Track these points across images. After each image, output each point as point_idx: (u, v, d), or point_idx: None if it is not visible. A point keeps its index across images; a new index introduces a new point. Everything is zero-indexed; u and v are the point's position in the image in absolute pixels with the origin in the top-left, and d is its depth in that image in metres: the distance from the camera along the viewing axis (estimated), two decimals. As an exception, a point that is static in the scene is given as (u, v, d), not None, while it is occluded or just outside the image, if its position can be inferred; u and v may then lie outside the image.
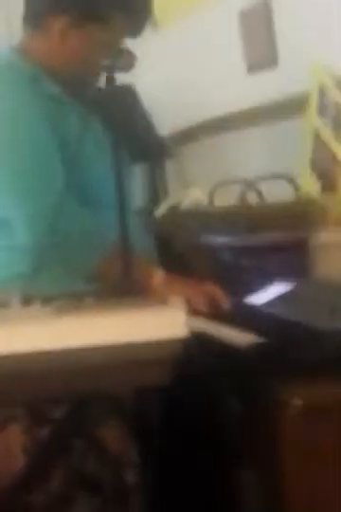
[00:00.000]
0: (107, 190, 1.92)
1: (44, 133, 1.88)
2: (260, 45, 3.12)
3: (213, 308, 1.79)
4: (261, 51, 3.12)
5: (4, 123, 1.87)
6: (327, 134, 2.69)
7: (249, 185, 2.46)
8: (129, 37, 2.04)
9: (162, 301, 1.42)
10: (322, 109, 2.73)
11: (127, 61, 2.12)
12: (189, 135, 3.52)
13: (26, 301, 1.81)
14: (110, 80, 2.04)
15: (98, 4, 1.97)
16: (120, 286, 1.65)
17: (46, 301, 1.73)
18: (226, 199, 2.51)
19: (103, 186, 1.95)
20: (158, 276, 1.82)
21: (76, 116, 1.97)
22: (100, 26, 1.97)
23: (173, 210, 2.53)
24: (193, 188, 2.71)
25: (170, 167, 3.70)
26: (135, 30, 2.03)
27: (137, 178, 3.72)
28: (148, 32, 2.10)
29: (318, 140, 2.72)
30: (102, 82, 2.33)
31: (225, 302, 1.81)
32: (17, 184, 1.87)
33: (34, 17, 2.02)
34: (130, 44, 2.08)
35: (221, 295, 1.82)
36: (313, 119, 2.76)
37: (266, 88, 3.06)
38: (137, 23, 2.03)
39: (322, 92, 2.71)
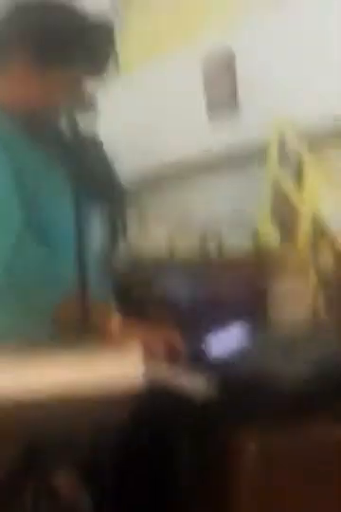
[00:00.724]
0: (65, 231, 1.92)
1: (4, 175, 1.85)
2: (222, 92, 3.16)
3: (170, 353, 1.79)
4: (223, 98, 3.16)
5: None
6: (287, 184, 2.72)
7: (208, 232, 2.48)
8: (90, 78, 2.04)
9: (118, 346, 1.42)
10: (283, 159, 2.76)
11: (87, 103, 2.14)
12: (150, 178, 3.54)
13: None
14: (72, 122, 2.06)
15: (58, 45, 1.94)
16: (78, 330, 1.64)
17: (2, 341, 1.73)
18: (186, 243, 2.52)
19: (62, 227, 1.94)
20: (115, 320, 1.82)
21: (35, 156, 1.97)
22: (60, 66, 1.95)
23: (133, 255, 2.53)
24: (153, 231, 2.72)
25: (131, 210, 3.71)
26: (96, 72, 2.03)
27: (97, 221, 3.72)
28: (110, 75, 2.11)
29: (278, 190, 2.74)
30: (64, 124, 2.35)
31: (182, 348, 1.81)
32: None
33: None
34: (92, 86, 2.09)
35: (178, 340, 1.82)
36: (273, 169, 2.78)
37: (227, 135, 3.09)
38: (98, 64, 2.00)
39: (283, 142, 2.75)
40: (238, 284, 2.19)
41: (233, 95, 3.13)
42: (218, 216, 2.83)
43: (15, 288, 1.81)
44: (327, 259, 2.49)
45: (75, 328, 1.72)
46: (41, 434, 1.41)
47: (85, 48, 1.97)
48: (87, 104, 2.10)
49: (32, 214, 1.89)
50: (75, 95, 2.08)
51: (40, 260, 1.85)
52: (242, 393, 1.53)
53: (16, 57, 1.95)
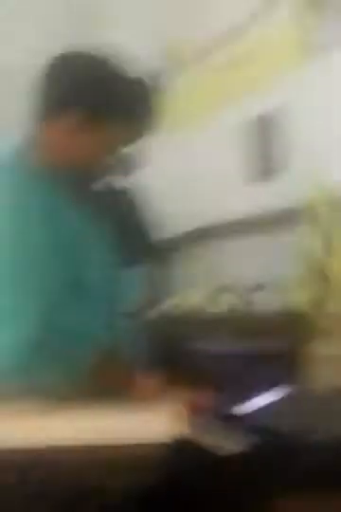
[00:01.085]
0: (103, 289, 1.95)
1: (43, 238, 1.89)
2: (259, 155, 3.18)
3: (200, 413, 1.80)
4: (260, 160, 3.18)
5: (6, 222, 1.90)
6: (318, 249, 2.74)
7: (247, 292, 2.49)
8: (131, 140, 2.07)
9: (148, 405, 1.44)
10: (315, 223, 2.78)
11: (129, 165, 2.18)
12: (191, 238, 3.56)
13: (21, 393, 1.84)
14: (115, 181, 2.10)
15: (105, 102, 1.99)
16: (110, 387, 1.67)
17: (40, 395, 1.76)
18: (222, 304, 2.53)
19: (99, 285, 1.97)
20: (148, 379, 1.84)
21: (75, 214, 1.99)
22: (104, 125, 1.99)
23: (171, 313, 2.55)
24: (190, 291, 2.73)
25: (169, 270, 3.73)
26: (139, 134, 2.06)
27: (134, 279, 3.75)
28: (155, 134, 2.12)
29: (310, 254, 2.76)
30: (104, 183, 2.38)
31: (213, 409, 1.83)
32: (13, 287, 1.87)
33: (47, 110, 2.04)
34: (137, 145, 2.12)
35: (209, 401, 1.84)
36: (305, 234, 2.80)
37: (262, 199, 3.11)
38: (140, 127, 2.05)
39: (315, 208, 2.76)
40: (272, 345, 2.20)
41: (270, 158, 3.16)
42: (252, 276, 2.84)
43: (51, 346, 1.85)
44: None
45: (108, 386, 1.75)
46: (71, 487, 1.43)
47: (130, 107, 2.01)
48: (127, 167, 2.13)
49: (71, 273, 1.93)
50: (119, 153, 2.12)
51: (76, 319, 1.89)
52: (273, 457, 1.54)
53: (69, 109, 1.99)
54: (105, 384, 1.78)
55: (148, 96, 2.04)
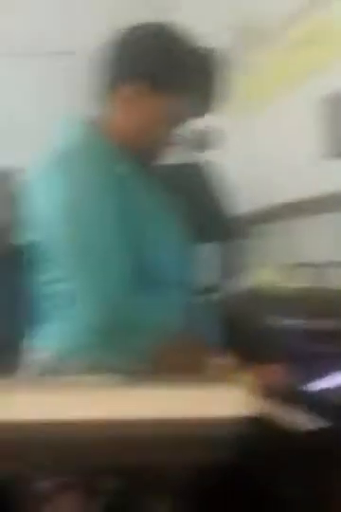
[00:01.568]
0: (174, 268, 1.94)
1: (114, 217, 1.88)
2: (333, 134, 3.14)
3: (278, 390, 1.78)
4: (333, 140, 3.14)
5: (74, 205, 1.88)
6: None
7: (321, 269, 2.46)
8: (197, 114, 2.04)
9: (225, 379, 1.42)
10: None
11: (208, 140, 2.15)
12: (265, 216, 3.54)
13: (92, 370, 1.85)
14: (189, 157, 2.08)
15: (170, 73, 1.95)
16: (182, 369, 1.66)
17: (111, 372, 1.76)
18: (299, 282, 2.50)
19: (170, 265, 1.96)
20: (221, 357, 1.82)
21: (146, 195, 1.97)
22: (168, 97, 1.95)
23: (244, 290, 2.53)
24: (266, 268, 2.71)
25: (243, 247, 3.72)
26: (203, 108, 2.01)
27: (209, 256, 3.74)
28: (230, 112, 2.10)
29: None
30: (178, 158, 2.35)
31: (291, 385, 1.80)
32: (84, 267, 1.88)
33: (108, 85, 2.01)
34: (211, 123, 2.09)
35: (282, 378, 1.81)
36: None
37: (337, 176, 3.06)
38: (205, 101, 2.00)
39: None
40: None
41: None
42: (329, 254, 2.80)
43: (119, 331, 1.85)
44: None
45: (178, 369, 1.74)
46: (143, 463, 1.43)
47: (192, 82, 1.97)
48: (204, 141, 2.11)
49: (142, 254, 1.91)
50: (191, 127, 2.10)
51: (145, 303, 1.88)
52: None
53: (126, 85, 1.97)
54: (176, 364, 1.77)
55: (215, 70, 2.01)
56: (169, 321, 1.85)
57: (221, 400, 1.35)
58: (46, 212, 1.93)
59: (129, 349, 1.84)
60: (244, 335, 2.12)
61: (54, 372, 1.90)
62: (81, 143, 1.96)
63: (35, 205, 1.96)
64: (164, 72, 1.95)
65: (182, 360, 1.79)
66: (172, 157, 2.09)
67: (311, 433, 1.52)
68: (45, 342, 1.98)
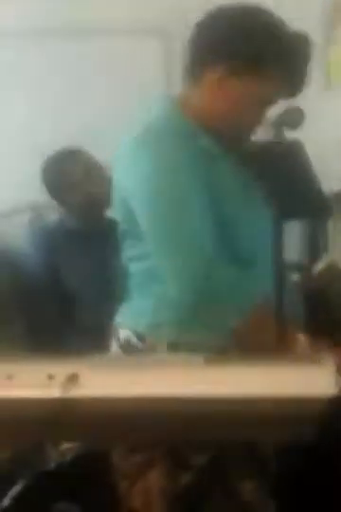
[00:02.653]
0: (258, 246, 1.93)
1: (198, 193, 1.88)
2: None
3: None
4: None
5: (160, 181, 1.89)
6: None
7: None
8: (286, 95, 2.02)
9: (312, 358, 1.42)
10: None
11: (295, 118, 2.13)
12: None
13: (173, 348, 1.86)
14: (278, 134, 2.06)
15: (256, 54, 1.93)
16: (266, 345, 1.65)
17: (193, 350, 1.77)
18: None
19: (255, 242, 1.95)
20: (305, 336, 1.81)
21: (230, 173, 1.97)
22: (258, 78, 1.94)
23: (331, 268, 2.51)
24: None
25: (332, 225, 3.67)
26: (293, 89, 1.99)
27: (297, 234, 3.71)
28: (319, 89, 2.07)
29: None
30: (270, 136, 2.34)
31: None
32: (171, 240, 1.89)
33: (194, 67, 2.01)
34: (303, 100, 2.07)
35: None
36: None
37: None
38: (295, 81, 1.98)
39: None
40: None
41: None
42: None
43: (206, 306, 1.85)
44: None
45: (263, 343, 1.74)
46: (232, 438, 1.43)
47: (282, 63, 1.95)
48: (295, 119, 2.08)
49: (226, 230, 1.91)
50: (285, 110, 2.08)
51: (230, 279, 1.88)
52: None
53: (212, 67, 1.96)
54: (261, 338, 1.77)
55: (303, 51, 1.98)
56: (253, 296, 1.85)
57: (307, 379, 1.35)
58: (132, 188, 1.94)
59: (217, 323, 1.85)
60: (329, 314, 2.10)
61: (137, 350, 1.93)
62: (167, 121, 1.97)
63: (121, 180, 1.98)
64: (251, 55, 1.93)
65: (267, 336, 1.80)
66: (260, 137, 2.08)
67: None
68: (129, 320, 2.01)
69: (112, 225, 2.13)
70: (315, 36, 2.08)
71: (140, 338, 1.94)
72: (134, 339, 1.95)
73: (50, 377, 1.40)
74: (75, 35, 3.99)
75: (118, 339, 2.00)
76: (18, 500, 2.11)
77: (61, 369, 1.42)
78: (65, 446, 2.16)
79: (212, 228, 1.88)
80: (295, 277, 2.26)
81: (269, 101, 2.00)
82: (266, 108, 2.01)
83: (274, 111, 2.05)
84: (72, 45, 3.99)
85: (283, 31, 1.97)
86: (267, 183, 1.95)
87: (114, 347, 2.02)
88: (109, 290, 2.68)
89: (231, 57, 1.94)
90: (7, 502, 2.10)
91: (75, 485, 2.12)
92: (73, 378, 1.40)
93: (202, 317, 1.86)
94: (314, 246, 3.58)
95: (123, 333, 1.99)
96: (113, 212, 2.10)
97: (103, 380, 1.41)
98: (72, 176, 3.20)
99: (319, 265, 2.45)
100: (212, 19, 1.99)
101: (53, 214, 3.37)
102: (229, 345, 1.81)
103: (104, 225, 3.06)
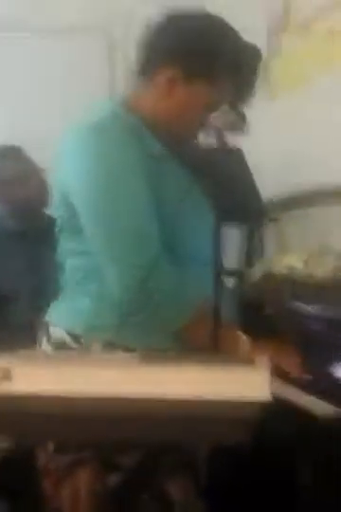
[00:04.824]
0: (199, 249, 1.94)
1: (143, 191, 1.88)
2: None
3: (294, 374, 1.77)
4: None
5: (104, 178, 1.88)
6: None
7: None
8: (236, 102, 2.03)
9: (248, 361, 1.42)
10: None
11: (238, 124, 2.14)
12: (291, 202, 3.52)
13: (109, 348, 1.85)
14: (221, 140, 2.07)
15: (209, 61, 1.95)
16: (208, 344, 1.66)
17: (129, 350, 1.76)
18: (321, 269, 2.49)
19: (196, 245, 1.96)
20: (244, 341, 1.82)
21: (174, 175, 1.98)
22: (207, 84, 1.95)
23: (267, 275, 2.53)
24: (290, 254, 2.71)
25: (269, 231, 3.70)
26: (241, 98, 2.01)
27: (235, 239, 3.73)
28: (261, 98, 2.09)
29: None
30: (212, 141, 2.35)
31: (301, 371, 1.80)
32: (113, 240, 1.88)
33: (145, 68, 2.02)
34: (241, 107, 2.08)
35: (299, 361, 1.81)
36: None
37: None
38: (244, 90, 2.00)
39: None
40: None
41: None
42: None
43: (146, 304, 1.85)
44: None
45: (201, 344, 1.74)
46: (162, 439, 1.43)
47: (233, 69, 1.96)
48: (238, 125, 2.09)
49: (169, 233, 1.92)
50: (229, 114, 2.08)
51: (173, 279, 1.88)
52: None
53: (162, 69, 1.97)
54: (199, 343, 1.77)
55: (250, 58, 2.00)
56: (194, 298, 1.85)
57: (241, 381, 1.35)
58: (74, 184, 1.93)
59: (159, 324, 1.86)
60: (264, 318, 2.12)
61: (68, 348, 1.91)
62: (112, 119, 1.96)
63: (63, 177, 1.96)
64: (198, 59, 1.95)
65: (206, 332, 1.80)
66: (203, 141, 2.08)
67: (328, 419, 1.52)
68: (63, 319, 1.99)
69: (49, 222, 2.11)
70: (259, 45, 2.10)
71: (75, 337, 1.92)
72: (67, 339, 1.93)
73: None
74: (15, 34, 3.97)
75: (50, 338, 1.98)
76: None
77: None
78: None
79: (156, 230, 1.88)
80: (232, 282, 2.27)
81: (216, 108, 2.01)
82: (211, 113, 2.01)
83: (218, 117, 2.06)
84: (16, 43, 3.97)
85: (236, 41, 1.99)
86: (208, 186, 1.96)
87: (45, 346, 1.99)
88: (44, 288, 2.65)
89: (183, 61, 1.95)
90: None
91: (3, 482, 2.09)
92: (5, 373, 1.38)
93: (143, 316, 1.86)
94: (251, 251, 3.60)
95: (56, 331, 1.97)
96: (52, 210, 2.07)
97: (35, 377, 1.38)
98: (9, 174, 3.17)
99: (256, 271, 2.48)
100: (165, 23, 2.00)
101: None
102: (170, 346, 1.81)
103: (41, 223, 3.04)
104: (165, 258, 1.88)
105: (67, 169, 1.94)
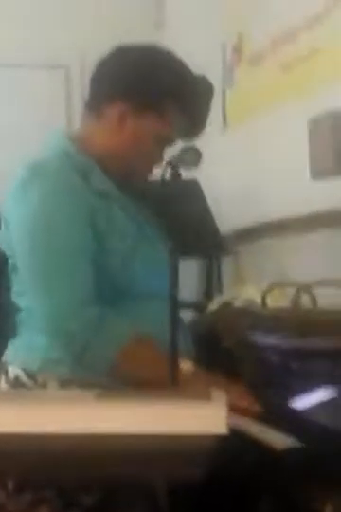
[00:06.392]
0: (156, 282, 1.94)
1: (80, 234, 1.89)
2: (326, 152, 3.14)
3: (250, 409, 1.77)
4: (327, 158, 3.14)
5: (38, 217, 1.89)
6: None
7: (303, 289, 2.46)
8: (187, 135, 2.04)
9: (204, 395, 1.42)
10: None
11: (192, 158, 2.15)
12: (249, 234, 3.55)
13: (64, 385, 1.84)
14: (175, 174, 2.08)
15: (156, 93, 1.96)
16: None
17: (84, 386, 1.76)
18: (280, 301, 2.51)
19: (152, 279, 1.95)
20: (187, 366, 1.82)
21: (124, 210, 1.98)
22: (157, 117, 1.96)
23: (225, 307, 2.54)
24: (248, 286, 2.72)
25: (227, 264, 3.72)
26: (193, 130, 2.02)
27: (192, 272, 3.74)
28: (216, 130, 2.11)
29: None
30: (167, 175, 2.36)
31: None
32: (41, 281, 1.89)
33: (95, 103, 2.02)
34: (198, 140, 2.09)
35: (248, 400, 1.81)
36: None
37: (328, 196, 3.06)
38: (195, 123, 2.01)
39: None
40: (329, 342, 2.17)
41: (338, 155, 3.10)
42: (314, 274, 2.80)
43: (72, 345, 1.86)
44: None
45: (133, 380, 1.74)
46: (121, 476, 1.42)
47: (182, 100, 1.97)
48: (192, 159, 2.11)
49: (122, 267, 1.93)
50: (182, 149, 2.09)
51: (98, 318, 1.87)
52: (325, 454, 1.51)
53: (112, 103, 1.97)
54: (131, 378, 1.77)
55: (202, 91, 2.02)
56: (123, 335, 1.86)
57: (198, 416, 1.34)
58: (14, 224, 1.94)
59: (93, 363, 1.86)
60: (222, 351, 2.12)
61: (25, 386, 1.90)
62: (59, 159, 1.96)
63: (7, 216, 1.96)
64: (145, 92, 1.96)
65: (142, 367, 1.83)
66: (156, 175, 2.10)
67: (285, 451, 1.52)
68: (18, 357, 1.98)
69: (4, 260, 2.10)
70: (214, 78, 2.12)
71: (30, 375, 1.91)
72: (23, 377, 1.92)
73: None
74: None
75: (7, 376, 1.97)
76: None
77: None
78: None
79: (89, 267, 1.87)
80: (188, 315, 2.28)
81: (168, 141, 2.02)
82: (165, 147, 2.02)
83: (171, 150, 2.07)
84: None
85: (184, 73, 2.00)
86: (164, 221, 1.97)
87: (2, 384, 1.98)
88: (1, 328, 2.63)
89: (131, 95, 1.96)
90: None
91: None
92: None
93: (77, 359, 1.86)
94: (209, 284, 3.61)
95: (12, 370, 1.96)
96: (2, 246, 2.06)
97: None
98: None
99: (213, 303, 2.49)
100: (114, 57, 2.01)
101: None
102: (110, 380, 1.81)
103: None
104: (110, 297, 1.90)
105: (9, 208, 1.95)
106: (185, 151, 2.05)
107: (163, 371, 1.76)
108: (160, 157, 2.04)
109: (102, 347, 1.85)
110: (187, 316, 2.16)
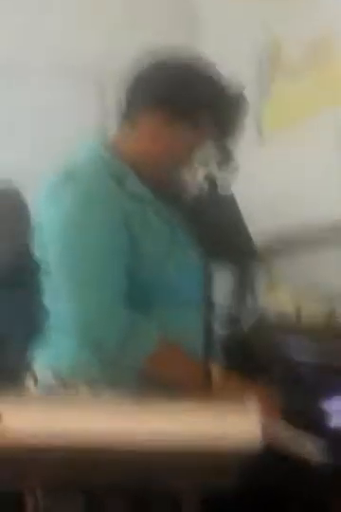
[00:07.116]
0: (185, 288, 1.94)
1: (112, 237, 1.90)
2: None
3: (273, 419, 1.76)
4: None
5: (75, 221, 1.90)
6: None
7: (335, 300, 2.45)
8: (221, 140, 2.05)
9: (239, 405, 1.41)
10: None
11: (229, 167, 2.16)
12: (281, 243, 3.53)
13: (93, 388, 1.84)
14: (212, 184, 2.08)
15: (191, 104, 1.98)
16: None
17: (113, 391, 1.75)
18: (312, 309, 2.50)
19: (182, 284, 1.95)
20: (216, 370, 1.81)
21: (158, 215, 1.99)
22: (192, 127, 1.98)
23: (260, 317, 2.53)
24: (280, 294, 2.71)
25: (260, 272, 3.70)
26: (227, 135, 2.03)
27: (226, 280, 3.72)
28: (253, 141, 2.11)
29: None
30: (204, 185, 2.35)
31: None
32: (72, 285, 1.90)
33: (128, 112, 2.04)
34: (229, 148, 2.09)
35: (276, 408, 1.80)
36: None
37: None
38: (228, 128, 2.02)
39: None
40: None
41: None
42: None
43: (102, 349, 1.88)
44: None
45: (162, 384, 1.74)
46: (144, 486, 1.41)
47: (215, 111, 1.99)
48: (229, 169, 2.11)
49: (154, 271, 1.94)
50: (219, 158, 2.10)
51: (128, 323, 1.88)
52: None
53: (146, 113, 2.00)
54: (160, 383, 1.77)
55: (235, 101, 2.03)
56: (152, 340, 1.87)
57: (230, 423, 1.34)
58: (46, 227, 1.95)
59: (119, 367, 1.87)
60: (253, 358, 2.12)
61: (54, 390, 1.90)
62: (94, 164, 1.98)
63: (41, 222, 1.98)
64: (181, 104, 1.98)
65: (171, 371, 1.83)
66: (189, 183, 2.10)
67: (318, 465, 1.50)
68: (49, 361, 1.99)
69: (37, 266, 2.11)
70: (250, 91, 2.13)
71: (60, 379, 1.91)
72: (53, 381, 1.92)
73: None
74: (9, 76, 3.98)
75: (36, 381, 1.97)
76: None
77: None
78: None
79: (121, 271, 1.89)
80: (223, 319, 2.27)
81: (200, 148, 2.03)
82: (195, 155, 2.03)
83: (209, 164, 2.07)
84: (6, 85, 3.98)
85: (219, 84, 2.02)
86: (197, 228, 1.97)
87: (32, 388, 1.98)
88: (31, 332, 2.65)
89: (167, 105, 1.98)
90: None
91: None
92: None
93: (106, 364, 1.88)
94: (243, 290, 3.59)
95: (42, 374, 1.96)
96: (36, 252, 2.07)
97: (25, 420, 1.37)
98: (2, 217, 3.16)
99: (247, 310, 2.48)
100: (150, 68, 2.03)
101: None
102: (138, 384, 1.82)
103: (30, 266, 3.02)
104: (121, 304, 1.89)
105: (43, 214, 1.96)
106: (221, 163, 2.05)
107: (192, 374, 1.77)
108: (190, 161, 2.05)
109: (132, 352, 1.86)
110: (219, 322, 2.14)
